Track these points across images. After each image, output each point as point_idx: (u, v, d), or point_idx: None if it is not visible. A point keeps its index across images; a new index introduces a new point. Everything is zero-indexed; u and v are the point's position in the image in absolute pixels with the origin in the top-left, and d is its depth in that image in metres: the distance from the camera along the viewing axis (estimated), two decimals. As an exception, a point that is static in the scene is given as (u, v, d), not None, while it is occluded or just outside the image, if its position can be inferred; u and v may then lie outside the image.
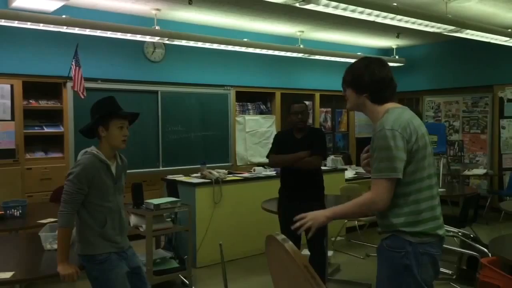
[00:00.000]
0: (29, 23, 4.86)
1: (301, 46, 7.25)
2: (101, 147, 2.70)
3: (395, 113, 2.08)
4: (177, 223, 4.57)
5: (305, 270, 1.59)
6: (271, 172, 5.88)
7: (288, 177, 4.03)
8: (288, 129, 4.20)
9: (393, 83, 2.17)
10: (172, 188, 4.99)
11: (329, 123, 8.67)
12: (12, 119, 5.35)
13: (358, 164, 7.38)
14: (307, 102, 8.12)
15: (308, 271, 1.58)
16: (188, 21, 6.50)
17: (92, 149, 2.68)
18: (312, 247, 3.89)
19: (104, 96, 2.80)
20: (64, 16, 5.06)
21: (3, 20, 4.74)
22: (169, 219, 4.44)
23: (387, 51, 8.92)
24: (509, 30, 6.39)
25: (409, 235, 2.04)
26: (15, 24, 4.84)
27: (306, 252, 4.03)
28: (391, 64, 8.45)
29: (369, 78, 2.12)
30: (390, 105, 2.15)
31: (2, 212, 3.95)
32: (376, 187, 2.02)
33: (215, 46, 6.34)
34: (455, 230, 4.69)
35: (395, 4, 5.00)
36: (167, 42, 6.03)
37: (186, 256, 4.37)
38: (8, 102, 5.33)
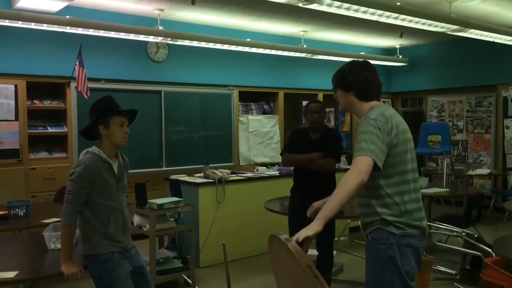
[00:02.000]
0: (32, 23, 4.87)
1: (304, 46, 7.24)
2: (102, 146, 2.70)
3: (379, 109, 2.23)
4: (180, 223, 4.57)
5: (308, 269, 1.58)
6: (274, 172, 5.87)
7: (301, 177, 4.00)
8: (304, 128, 4.16)
9: (378, 82, 2.34)
10: (175, 188, 5.00)
11: (332, 123, 8.66)
12: (16, 119, 5.37)
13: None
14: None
15: (311, 271, 1.58)
16: (191, 21, 6.50)
17: (94, 148, 2.69)
18: (321, 247, 3.88)
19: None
20: (67, 16, 5.07)
21: (7, 21, 4.76)
22: (172, 219, 4.45)
23: (391, 51, 8.90)
24: (513, 29, 6.37)
25: (393, 227, 2.13)
26: (19, 24, 4.86)
27: (313, 252, 4.00)
28: (394, 63, 8.45)
29: (353, 77, 2.30)
30: (375, 103, 2.31)
31: (6, 212, 3.97)
32: (357, 162, 2.07)
33: (218, 46, 6.34)
34: (459, 230, 4.67)
35: (398, 3, 4.98)
36: (170, 42, 6.04)
37: (189, 256, 4.37)
38: (12, 102, 5.35)
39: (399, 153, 2.16)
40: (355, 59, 2.45)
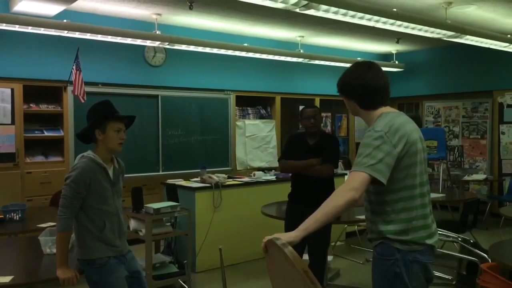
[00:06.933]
0: (30, 27, 4.87)
1: (301, 51, 7.26)
2: (98, 150, 2.70)
3: (387, 118, 2.04)
4: (176, 227, 4.57)
5: (305, 275, 1.59)
6: (271, 176, 5.88)
7: (299, 182, 3.97)
8: (301, 133, 4.12)
9: (382, 87, 2.10)
10: (172, 192, 4.99)
11: (329, 127, 8.68)
12: (13, 123, 5.36)
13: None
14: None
15: (307, 276, 1.58)
16: (188, 26, 6.52)
17: (89, 153, 2.68)
18: (311, 252, 3.85)
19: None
20: (65, 20, 5.08)
21: (4, 24, 4.76)
22: (168, 224, 4.44)
23: (387, 56, 8.94)
24: (509, 35, 6.41)
25: (398, 243, 2.00)
26: (16, 28, 4.85)
27: (305, 257, 4.00)
28: (390, 69, 8.48)
29: (353, 83, 2.11)
30: (384, 109, 2.11)
31: (2, 216, 3.96)
32: (352, 178, 1.91)
33: (215, 50, 6.36)
34: (455, 235, 4.67)
35: (395, 9, 5.01)
36: (167, 46, 6.05)
37: (185, 261, 4.37)
38: (9, 106, 5.34)
39: (405, 167, 1.99)
40: (361, 60, 2.25)
